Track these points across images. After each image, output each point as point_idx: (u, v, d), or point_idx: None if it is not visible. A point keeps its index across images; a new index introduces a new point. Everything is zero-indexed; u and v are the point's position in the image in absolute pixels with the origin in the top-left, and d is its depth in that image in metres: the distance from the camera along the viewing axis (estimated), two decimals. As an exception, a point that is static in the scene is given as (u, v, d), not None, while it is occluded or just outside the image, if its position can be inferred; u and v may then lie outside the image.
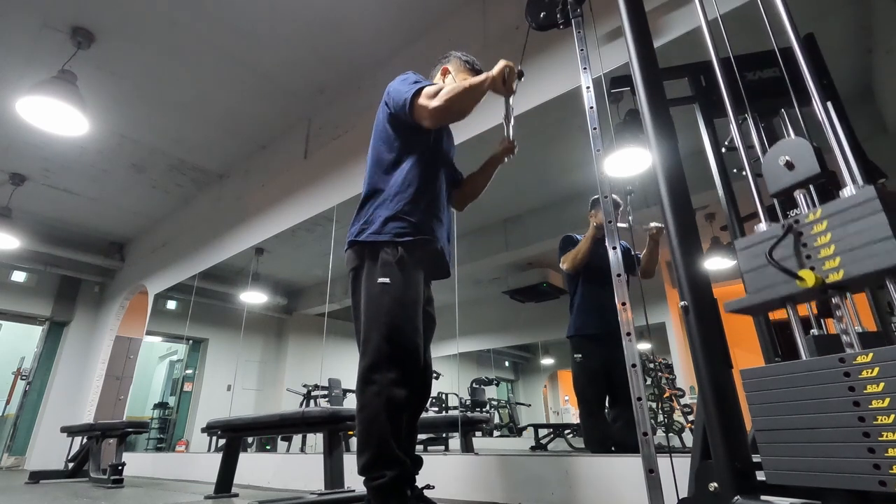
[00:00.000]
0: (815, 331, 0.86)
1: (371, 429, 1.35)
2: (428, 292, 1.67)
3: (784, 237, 0.83)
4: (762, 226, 0.90)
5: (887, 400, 0.65)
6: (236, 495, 2.58)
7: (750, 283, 0.87)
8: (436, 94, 1.51)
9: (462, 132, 2.49)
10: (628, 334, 1.14)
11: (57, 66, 3.23)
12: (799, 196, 0.88)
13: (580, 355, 2.63)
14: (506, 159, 1.84)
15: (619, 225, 2.20)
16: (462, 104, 1.53)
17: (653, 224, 2.56)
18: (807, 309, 0.97)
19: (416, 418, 1.59)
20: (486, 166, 1.86)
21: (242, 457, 2.84)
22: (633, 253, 2.59)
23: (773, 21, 0.96)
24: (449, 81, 1.75)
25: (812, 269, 0.78)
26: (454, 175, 1.85)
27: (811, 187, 0.87)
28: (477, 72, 1.78)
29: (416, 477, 1.49)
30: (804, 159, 0.84)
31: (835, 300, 0.79)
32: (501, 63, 1.58)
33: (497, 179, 1.88)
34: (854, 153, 0.82)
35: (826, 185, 0.84)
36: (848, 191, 0.79)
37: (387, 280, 1.45)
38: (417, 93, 1.53)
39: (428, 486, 1.52)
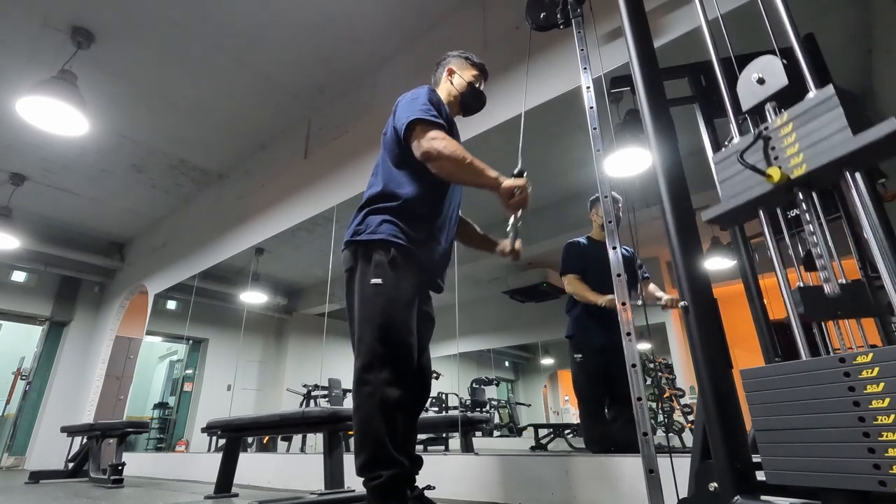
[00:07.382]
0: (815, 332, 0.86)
1: (367, 429, 1.36)
2: (425, 292, 1.67)
3: (754, 142, 0.89)
4: (735, 139, 0.95)
5: (887, 400, 0.65)
6: (236, 495, 2.58)
7: (724, 191, 0.93)
8: (443, 137, 1.46)
9: (466, 130, 2.48)
10: (628, 334, 1.14)
11: (57, 66, 3.23)
12: (769, 109, 0.92)
13: (580, 355, 2.63)
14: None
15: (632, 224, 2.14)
16: (456, 169, 1.46)
17: (666, 298, 2.63)
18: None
19: (415, 418, 1.59)
20: (486, 242, 1.85)
21: (242, 457, 2.83)
22: (637, 263, 2.56)
23: (773, 21, 0.96)
24: (457, 81, 1.75)
25: (779, 168, 0.84)
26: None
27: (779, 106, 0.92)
28: (477, 66, 1.79)
29: (416, 477, 1.49)
30: (774, 74, 0.90)
31: (804, 206, 0.84)
32: (521, 181, 1.45)
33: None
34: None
35: (795, 97, 0.88)
36: (811, 95, 0.84)
37: (380, 281, 1.44)
38: (421, 120, 1.49)
39: (428, 487, 1.52)
